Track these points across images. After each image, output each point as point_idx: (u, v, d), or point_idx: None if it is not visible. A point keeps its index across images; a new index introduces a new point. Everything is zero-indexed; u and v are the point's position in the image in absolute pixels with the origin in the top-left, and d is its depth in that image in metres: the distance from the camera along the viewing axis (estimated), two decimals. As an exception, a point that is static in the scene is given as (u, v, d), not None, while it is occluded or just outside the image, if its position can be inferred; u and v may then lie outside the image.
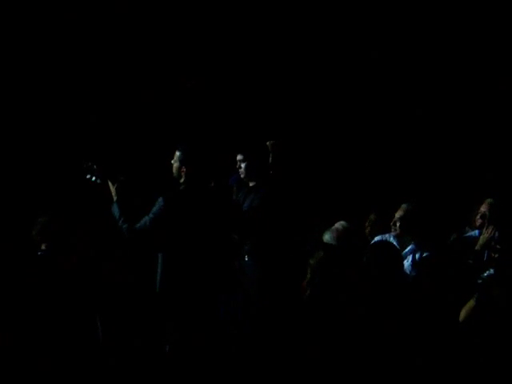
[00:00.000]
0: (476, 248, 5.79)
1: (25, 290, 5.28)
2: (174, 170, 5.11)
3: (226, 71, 7.86)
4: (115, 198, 5.14)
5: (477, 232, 5.95)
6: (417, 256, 5.79)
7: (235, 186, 5.80)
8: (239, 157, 5.61)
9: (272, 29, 7.87)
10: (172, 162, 5.12)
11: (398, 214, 5.92)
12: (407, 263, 5.72)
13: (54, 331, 5.27)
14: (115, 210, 5.09)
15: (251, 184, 5.62)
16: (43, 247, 5.49)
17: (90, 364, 5.31)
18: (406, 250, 5.80)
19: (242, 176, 5.63)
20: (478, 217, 5.95)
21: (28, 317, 5.25)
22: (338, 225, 5.61)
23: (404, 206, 5.95)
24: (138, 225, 4.98)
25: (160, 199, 4.98)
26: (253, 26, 7.85)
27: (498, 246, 5.58)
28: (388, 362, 4.74)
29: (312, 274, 5.00)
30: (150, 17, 7.68)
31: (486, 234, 5.77)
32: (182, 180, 5.09)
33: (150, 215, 4.98)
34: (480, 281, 5.42)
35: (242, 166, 5.59)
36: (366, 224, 6.13)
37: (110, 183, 5.19)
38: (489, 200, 5.95)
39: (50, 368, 5.18)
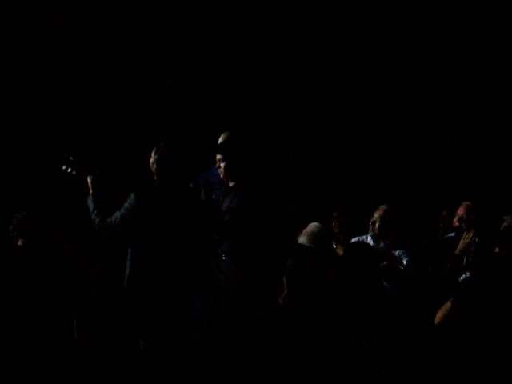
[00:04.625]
0: (456, 252, 5.80)
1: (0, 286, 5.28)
2: (151, 165, 5.10)
3: (208, 68, 7.87)
4: (90, 191, 5.14)
5: (453, 234, 5.97)
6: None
7: (203, 186, 5.76)
8: (219, 156, 5.55)
9: (256, 25, 7.89)
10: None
11: (376, 214, 5.93)
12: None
13: (29, 328, 5.26)
14: (90, 202, 5.09)
15: (231, 184, 5.56)
16: (20, 243, 5.48)
17: (66, 360, 5.31)
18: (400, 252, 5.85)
19: (221, 176, 5.55)
20: (456, 219, 5.96)
21: (3, 313, 5.24)
22: (313, 226, 5.61)
23: (383, 206, 5.96)
24: (109, 219, 4.97)
25: (132, 195, 4.96)
26: (236, 21, 7.87)
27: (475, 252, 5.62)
28: (365, 363, 4.75)
29: (289, 276, 5.01)
30: (133, 14, 7.69)
31: (466, 238, 5.77)
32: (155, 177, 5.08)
33: (121, 211, 4.96)
34: (457, 284, 5.44)
35: (222, 165, 5.51)
36: (333, 223, 6.13)
37: (87, 176, 5.18)
38: (466, 203, 5.96)
39: (26, 364, 5.18)
